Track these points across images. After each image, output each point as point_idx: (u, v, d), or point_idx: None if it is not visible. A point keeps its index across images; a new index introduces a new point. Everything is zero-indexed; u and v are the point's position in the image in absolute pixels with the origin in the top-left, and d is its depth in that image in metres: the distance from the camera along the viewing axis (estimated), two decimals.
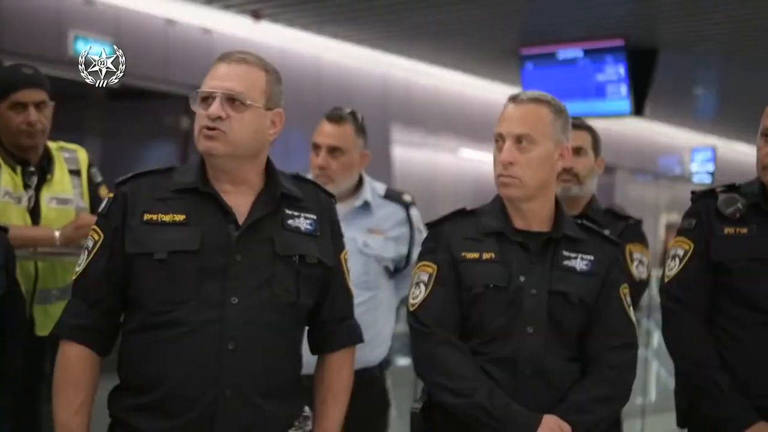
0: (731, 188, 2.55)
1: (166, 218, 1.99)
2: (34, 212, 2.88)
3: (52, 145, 3.00)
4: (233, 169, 2.03)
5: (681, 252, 2.53)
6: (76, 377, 1.99)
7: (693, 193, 2.60)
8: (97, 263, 2.01)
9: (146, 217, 1.99)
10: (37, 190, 2.90)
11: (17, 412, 2.51)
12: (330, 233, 2.14)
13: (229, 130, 1.98)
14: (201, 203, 2.00)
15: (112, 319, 2.03)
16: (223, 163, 2.01)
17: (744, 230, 2.47)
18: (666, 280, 2.55)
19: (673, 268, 2.53)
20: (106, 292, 2.01)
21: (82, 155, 3.06)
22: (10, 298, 2.34)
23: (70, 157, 3.02)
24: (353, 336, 2.21)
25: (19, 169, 2.87)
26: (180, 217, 1.98)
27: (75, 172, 3.02)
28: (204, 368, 1.93)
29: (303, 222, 2.08)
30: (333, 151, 2.96)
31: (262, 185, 2.06)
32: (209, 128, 1.97)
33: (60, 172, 2.97)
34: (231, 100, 1.98)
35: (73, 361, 1.99)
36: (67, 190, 2.96)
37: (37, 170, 2.91)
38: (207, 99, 2.00)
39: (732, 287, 2.46)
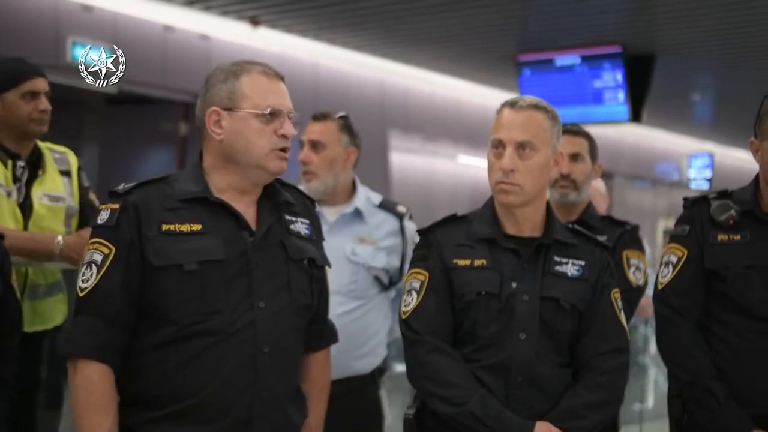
0: (724, 195, 2.55)
1: (183, 228, 1.97)
2: (24, 207, 2.88)
3: (41, 144, 3.01)
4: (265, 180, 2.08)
5: (674, 259, 2.52)
6: (102, 399, 1.92)
7: (685, 199, 2.60)
8: (111, 278, 1.94)
9: (164, 227, 1.96)
10: (28, 185, 2.90)
11: (14, 419, 2.50)
12: (319, 236, 2.20)
13: (289, 147, 2.05)
14: (212, 212, 2.00)
15: (127, 334, 1.97)
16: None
17: (738, 237, 2.46)
18: (659, 287, 2.54)
19: (667, 275, 2.53)
20: (124, 307, 1.95)
21: (72, 158, 3.08)
22: (5, 303, 2.34)
23: (60, 158, 3.04)
24: (334, 335, 2.27)
25: (9, 163, 2.87)
26: (197, 227, 1.98)
27: (65, 173, 3.03)
28: (242, 373, 1.95)
29: (301, 227, 2.13)
30: (315, 145, 2.99)
31: (260, 191, 2.09)
32: (284, 149, 2.03)
33: (51, 170, 2.98)
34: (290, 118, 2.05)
35: (97, 382, 1.92)
36: (59, 189, 2.98)
37: (27, 165, 2.91)
38: (263, 115, 2.01)
39: (726, 294, 2.46)
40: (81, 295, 1.98)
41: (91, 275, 1.96)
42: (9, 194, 2.84)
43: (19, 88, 2.88)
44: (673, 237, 2.57)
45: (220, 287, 1.95)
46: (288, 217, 2.11)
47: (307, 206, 2.20)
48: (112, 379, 1.94)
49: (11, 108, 2.87)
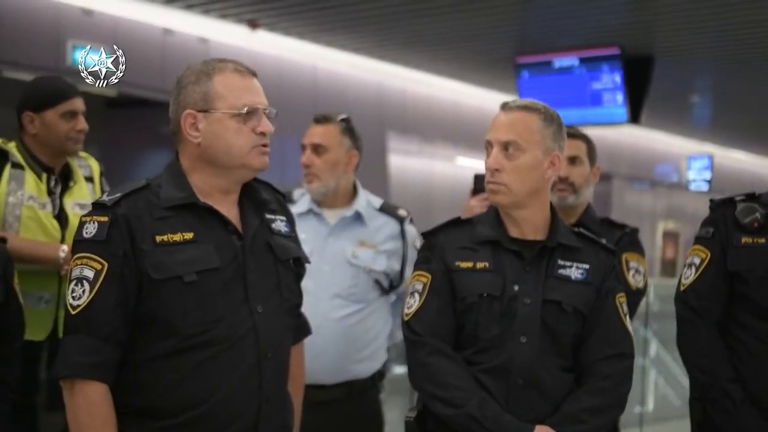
0: (750, 197, 2.52)
1: (176, 238, 1.93)
2: (61, 218, 2.94)
3: None
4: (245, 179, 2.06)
5: (697, 260, 2.50)
6: (105, 419, 1.87)
7: (711, 201, 2.57)
8: (106, 294, 1.88)
9: (158, 239, 1.91)
10: (61, 196, 2.97)
11: (15, 420, 2.51)
12: (296, 233, 2.19)
13: (269, 142, 2.03)
14: (199, 218, 1.97)
15: (121, 349, 1.91)
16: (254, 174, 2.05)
17: (762, 240, 2.44)
18: (681, 288, 2.52)
19: (689, 276, 2.51)
20: (120, 323, 1.89)
21: (94, 164, 3.14)
22: (7, 306, 2.35)
23: (82, 165, 3.10)
24: (307, 329, 2.28)
25: (44, 176, 2.94)
26: (189, 236, 1.94)
27: (88, 179, 3.09)
28: (248, 380, 1.94)
29: (281, 225, 2.11)
30: (316, 148, 2.99)
31: (240, 189, 2.07)
32: (264, 145, 2.00)
33: (80, 180, 3.05)
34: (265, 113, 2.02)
35: (99, 403, 1.87)
36: (86, 196, 3.03)
37: (60, 178, 2.99)
38: (240, 114, 1.98)
39: (748, 297, 2.44)
40: (74, 313, 1.90)
41: (83, 292, 1.89)
42: (43, 206, 2.90)
43: (59, 108, 2.93)
44: (697, 239, 2.55)
45: (218, 295, 1.94)
46: (268, 216, 2.09)
47: (280, 201, 2.18)
48: (110, 397, 1.89)
49: (50, 127, 2.93)
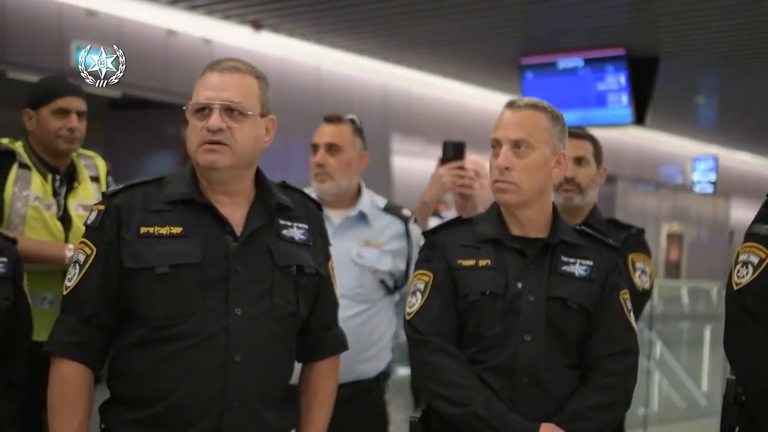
0: None
1: (163, 231, 1.97)
2: (64, 219, 2.94)
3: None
4: (231, 180, 2.02)
5: (755, 259, 2.34)
6: (74, 396, 1.95)
7: None
8: (90, 278, 1.97)
9: (142, 230, 1.96)
10: (65, 198, 2.98)
11: (20, 421, 2.51)
12: (321, 242, 2.16)
13: (232, 141, 1.97)
14: (196, 214, 1.99)
15: (105, 334, 1.99)
16: (223, 175, 2.00)
17: None
18: (735, 287, 2.36)
19: (745, 276, 2.35)
20: (101, 307, 1.97)
21: (100, 163, 3.14)
22: (17, 308, 2.36)
23: (88, 164, 3.10)
24: (340, 344, 2.23)
25: (49, 177, 2.94)
26: (177, 230, 1.97)
27: (94, 179, 3.09)
28: (211, 380, 1.93)
29: (296, 232, 2.09)
30: (331, 148, 2.98)
31: (254, 194, 2.06)
32: (211, 142, 1.96)
33: (85, 180, 3.05)
34: (230, 110, 1.98)
35: (71, 380, 1.95)
36: (90, 197, 3.03)
37: (64, 178, 2.99)
38: (203, 110, 1.98)
39: None
40: (65, 293, 2.01)
41: (74, 275, 1.99)
42: (48, 207, 2.91)
43: (51, 105, 2.95)
44: (755, 236, 2.38)
45: (196, 291, 1.94)
46: (282, 222, 2.07)
47: (310, 210, 2.16)
48: (88, 377, 1.97)
49: (42, 124, 2.95)
